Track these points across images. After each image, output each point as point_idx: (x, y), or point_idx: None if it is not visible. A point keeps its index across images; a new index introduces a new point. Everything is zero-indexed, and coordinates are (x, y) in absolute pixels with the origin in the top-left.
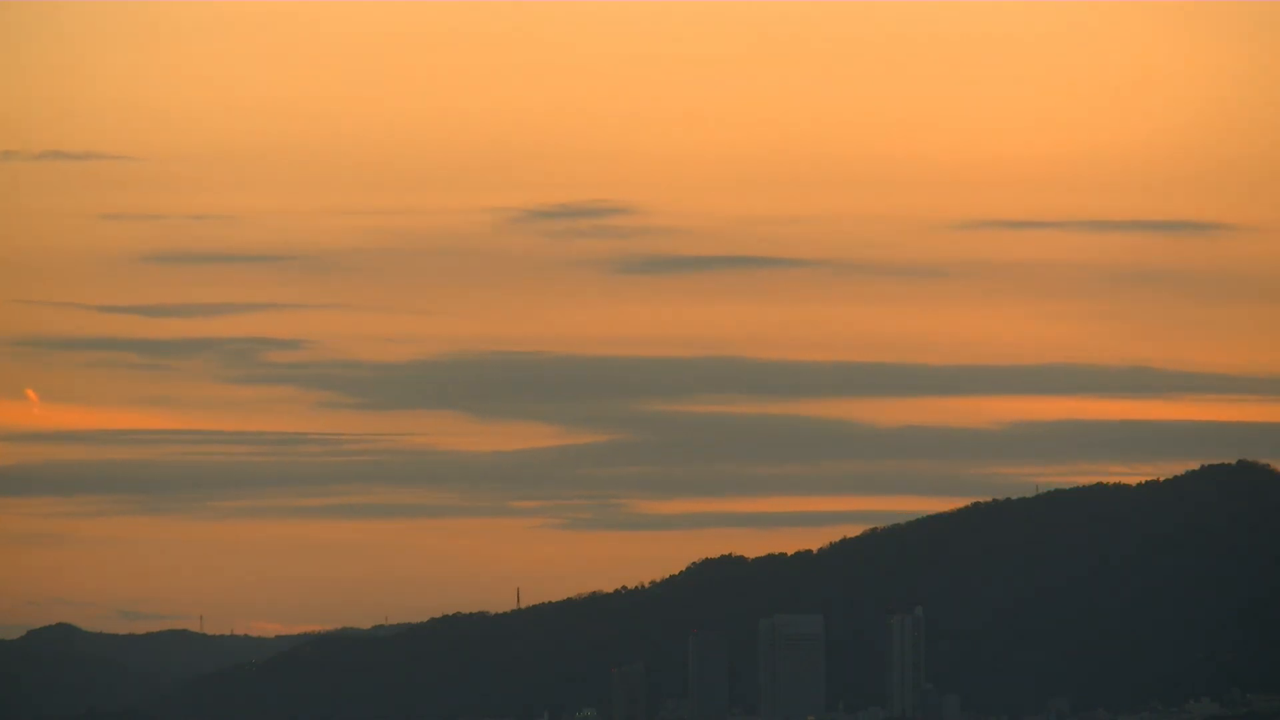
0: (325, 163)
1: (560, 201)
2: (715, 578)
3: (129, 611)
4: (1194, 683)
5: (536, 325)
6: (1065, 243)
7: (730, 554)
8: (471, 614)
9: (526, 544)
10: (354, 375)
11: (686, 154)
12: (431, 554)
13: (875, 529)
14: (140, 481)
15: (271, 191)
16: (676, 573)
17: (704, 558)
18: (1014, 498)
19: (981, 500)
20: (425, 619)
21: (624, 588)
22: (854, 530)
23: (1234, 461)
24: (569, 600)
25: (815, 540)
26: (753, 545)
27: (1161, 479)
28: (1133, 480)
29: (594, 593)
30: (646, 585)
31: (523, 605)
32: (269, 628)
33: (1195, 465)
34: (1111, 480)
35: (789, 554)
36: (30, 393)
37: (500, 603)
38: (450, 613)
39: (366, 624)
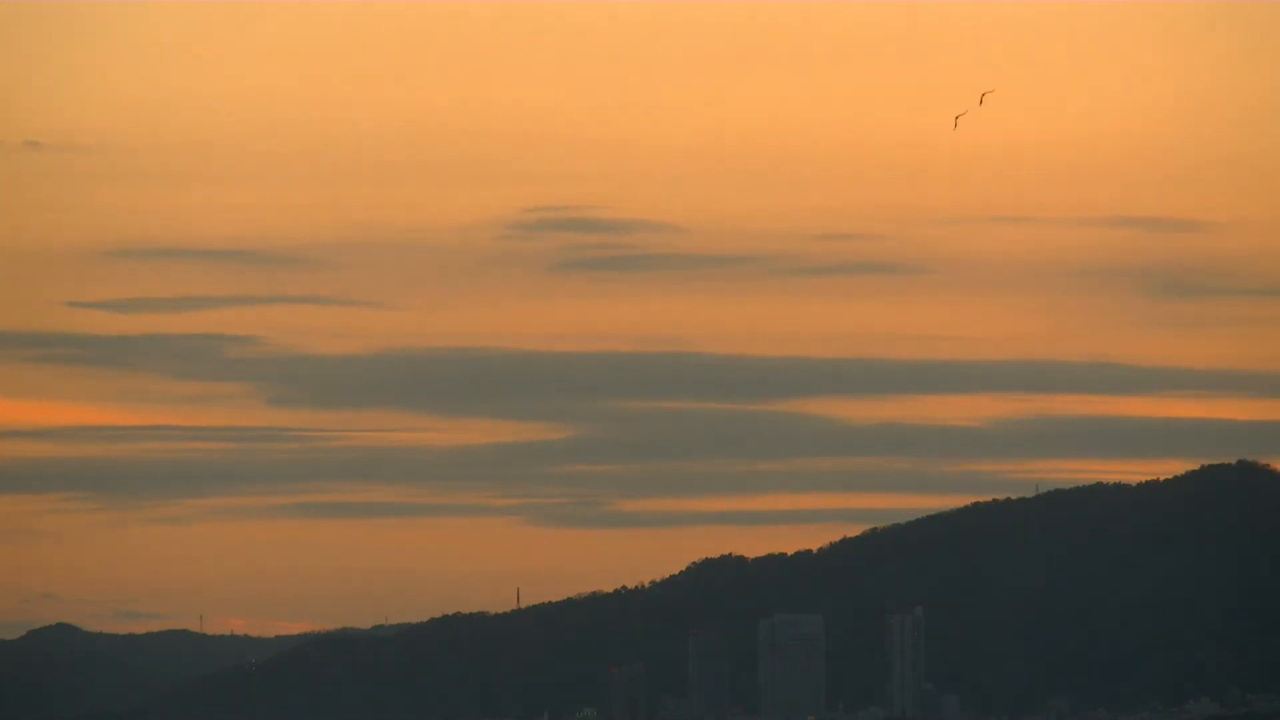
0: (288, 158)
1: (530, 198)
2: (715, 578)
3: (125, 611)
4: (1194, 683)
5: (502, 321)
6: (1041, 237)
7: (730, 554)
8: (471, 614)
9: (516, 541)
10: (316, 371)
11: (657, 151)
12: (425, 552)
13: (875, 529)
14: (103, 478)
15: (235, 186)
16: (676, 573)
17: (704, 558)
18: (1014, 498)
19: (981, 500)
20: (425, 619)
21: (624, 588)
22: (854, 530)
23: (1234, 461)
24: (569, 600)
25: (815, 540)
26: (753, 545)
27: (1161, 479)
28: (1133, 480)
29: (594, 593)
30: (646, 585)
31: (522, 605)
32: (269, 626)
33: (1195, 465)
34: (1111, 480)
35: (789, 554)
36: None
37: (500, 603)
38: (450, 613)
39: (366, 624)
